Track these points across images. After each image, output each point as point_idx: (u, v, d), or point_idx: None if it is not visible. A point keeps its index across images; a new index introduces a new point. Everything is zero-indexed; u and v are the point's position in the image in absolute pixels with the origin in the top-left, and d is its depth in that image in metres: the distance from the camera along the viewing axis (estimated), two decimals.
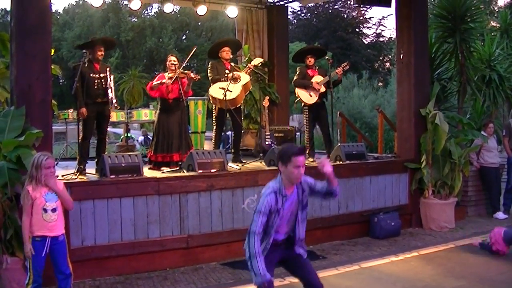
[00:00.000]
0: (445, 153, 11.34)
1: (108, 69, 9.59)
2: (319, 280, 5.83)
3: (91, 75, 9.27)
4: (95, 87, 9.34)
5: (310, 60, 11.84)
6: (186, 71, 10.37)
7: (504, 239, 9.05)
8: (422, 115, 11.43)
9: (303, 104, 11.79)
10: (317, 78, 11.62)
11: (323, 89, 11.58)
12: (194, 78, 10.31)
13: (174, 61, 10.33)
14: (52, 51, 8.88)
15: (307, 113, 11.77)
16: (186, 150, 10.13)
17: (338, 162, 10.85)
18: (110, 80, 9.44)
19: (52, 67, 9.13)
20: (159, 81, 10.25)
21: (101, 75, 9.44)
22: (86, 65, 9.33)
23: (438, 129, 11.04)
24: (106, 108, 9.55)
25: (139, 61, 52.83)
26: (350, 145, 11.74)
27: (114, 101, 9.47)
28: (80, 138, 9.56)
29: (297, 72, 11.99)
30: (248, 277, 8.12)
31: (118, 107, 11.32)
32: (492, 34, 16.81)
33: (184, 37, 59.89)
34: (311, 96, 11.59)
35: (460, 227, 11.43)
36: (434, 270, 8.44)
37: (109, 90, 9.37)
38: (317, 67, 11.86)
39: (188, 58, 10.58)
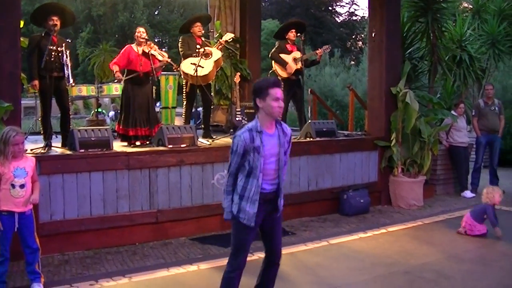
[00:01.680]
0: (415, 131, 11.43)
1: (64, 44, 9.45)
2: (281, 251, 5.77)
3: (48, 47, 9.11)
4: (52, 59, 9.22)
5: (294, 34, 11.87)
6: (164, 54, 10.30)
7: (475, 220, 9.13)
8: (392, 93, 11.49)
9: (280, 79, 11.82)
10: (296, 54, 11.70)
11: (300, 65, 11.60)
12: (169, 63, 10.29)
13: (143, 32, 10.16)
14: (22, 24, 8.75)
15: (283, 87, 11.79)
16: (155, 125, 10.08)
17: (308, 139, 10.89)
18: (67, 57, 9.32)
19: (22, 40, 9.01)
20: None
21: (59, 48, 9.32)
22: (43, 37, 9.22)
23: (408, 108, 11.11)
24: (63, 82, 9.43)
25: (110, 36, 52.26)
26: (321, 122, 11.78)
27: (71, 80, 9.37)
28: (40, 112, 9.48)
29: (276, 46, 12.03)
30: (217, 252, 8.21)
31: (74, 85, 11.18)
32: (464, 15, 16.91)
33: (156, 13, 59.35)
34: (286, 69, 11.64)
35: (429, 205, 11.55)
36: (402, 247, 8.52)
37: (65, 67, 9.26)
38: (296, 43, 11.86)
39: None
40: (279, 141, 5.35)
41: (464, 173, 12.87)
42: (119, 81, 10.63)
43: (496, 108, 13.33)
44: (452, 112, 12.80)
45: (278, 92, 5.21)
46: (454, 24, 14.92)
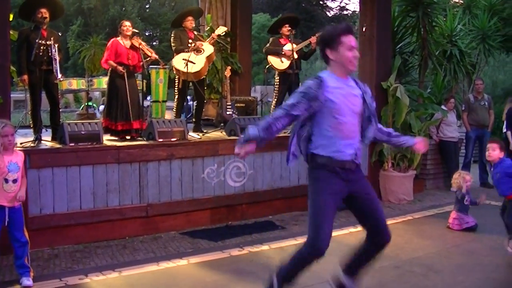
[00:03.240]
0: (405, 126, 11.46)
1: (53, 37, 9.39)
2: (388, 227, 5.13)
3: (37, 41, 9.06)
4: (41, 53, 9.16)
5: (288, 29, 11.83)
6: (151, 50, 10.27)
7: (461, 211, 9.16)
8: (383, 88, 11.51)
9: (276, 73, 11.80)
10: (289, 46, 11.61)
11: (295, 56, 11.57)
12: (156, 59, 10.31)
13: (129, 25, 10.08)
14: (11, 16, 8.71)
15: (278, 80, 11.79)
16: (143, 119, 10.06)
17: None
18: (55, 51, 9.26)
19: (11, 33, 8.97)
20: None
21: (48, 42, 9.27)
22: (32, 30, 9.18)
23: (399, 102, 11.14)
24: (53, 76, 9.38)
25: (101, 29, 52.09)
26: None
27: (60, 75, 9.32)
28: (30, 106, 9.44)
29: (270, 41, 12.02)
30: (207, 246, 8.22)
31: (62, 79, 11.13)
32: (455, 10, 16.93)
33: (147, 6, 59.27)
34: (282, 62, 11.60)
35: (418, 199, 11.58)
36: (391, 242, 8.47)
37: (54, 62, 9.21)
38: (290, 38, 11.83)
39: None
40: (361, 97, 4.83)
41: (454, 167, 12.88)
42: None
43: (486, 103, 13.40)
44: (442, 106, 12.84)
45: (352, 40, 4.64)
46: (444, 19, 14.94)
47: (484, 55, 16.27)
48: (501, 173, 7.34)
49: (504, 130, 13.09)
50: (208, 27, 13.78)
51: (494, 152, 7.31)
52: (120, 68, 9.70)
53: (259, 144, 4.78)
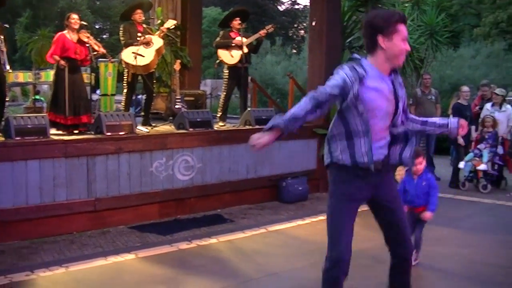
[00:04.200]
0: None
1: None
2: (410, 239, 4.72)
3: None
4: None
5: (239, 22, 11.80)
6: (99, 45, 10.18)
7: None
8: None
9: (226, 66, 11.77)
10: (239, 39, 11.57)
11: (246, 50, 11.55)
12: (104, 54, 10.22)
13: (77, 18, 9.96)
14: None
15: (228, 74, 11.76)
16: (90, 113, 9.97)
17: (247, 126, 10.93)
18: (1, 42, 9.11)
19: None
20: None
21: None
22: None
23: None
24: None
25: (50, 22, 51.39)
26: (260, 110, 11.85)
27: (8, 67, 9.16)
28: None
29: (220, 35, 11.98)
30: (156, 240, 8.20)
31: (10, 71, 10.93)
32: (404, 5, 17.11)
33: None
34: (232, 56, 11.57)
35: None
36: None
37: (1, 53, 9.07)
38: (240, 32, 11.79)
39: None
40: (393, 89, 4.26)
41: None
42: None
43: (433, 97, 13.63)
44: None
45: (406, 30, 4.18)
46: None
47: (432, 50, 16.46)
48: (427, 182, 7.24)
49: None
50: (159, 21, 13.68)
51: (421, 165, 7.21)
52: (62, 62, 9.57)
53: (284, 133, 4.21)
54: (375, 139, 4.25)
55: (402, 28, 4.08)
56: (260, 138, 4.20)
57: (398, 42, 4.05)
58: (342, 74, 4.14)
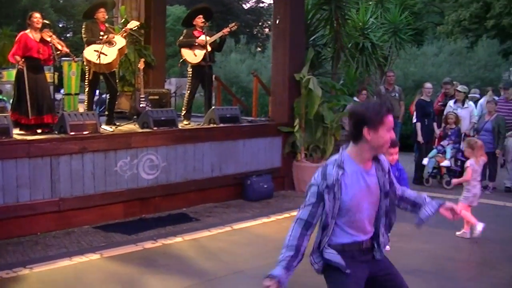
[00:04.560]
0: (318, 117, 11.60)
1: None
2: None
3: None
4: None
5: (202, 20, 11.74)
6: (62, 44, 10.09)
7: None
8: (296, 80, 11.61)
9: (189, 65, 11.72)
10: (202, 38, 11.52)
11: (209, 49, 11.52)
12: (67, 53, 10.14)
13: (39, 17, 9.85)
14: None
15: (191, 73, 11.72)
16: (54, 113, 9.88)
17: (212, 125, 10.92)
18: None
19: None
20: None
21: None
22: None
23: (311, 94, 11.26)
24: None
25: (12, 20, 50.88)
26: (224, 108, 11.86)
27: None
28: None
29: (184, 33, 11.92)
30: (121, 240, 8.16)
31: None
32: (367, 3, 17.21)
33: None
34: (195, 55, 11.52)
35: None
36: None
37: None
38: (204, 30, 11.74)
39: None
40: (377, 181, 4.09)
41: None
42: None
43: (397, 94, 13.75)
44: (355, 98, 13.04)
45: (392, 119, 3.99)
46: (357, 12, 15.16)
47: (395, 48, 16.58)
48: (400, 172, 7.36)
49: (414, 121, 13.42)
50: (123, 19, 13.61)
51: (397, 155, 7.28)
52: (20, 62, 9.46)
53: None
54: (360, 228, 4.12)
55: (389, 119, 3.92)
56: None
57: (384, 133, 3.90)
58: (318, 174, 4.10)
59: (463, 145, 12.49)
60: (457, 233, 8.71)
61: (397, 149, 7.15)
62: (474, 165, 8.80)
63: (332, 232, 4.02)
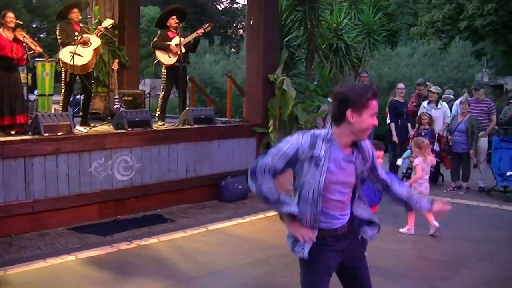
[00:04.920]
0: (292, 118, 11.64)
1: None
2: None
3: None
4: None
5: (175, 21, 11.72)
6: (36, 44, 10.02)
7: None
8: (270, 81, 11.65)
9: (164, 66, 11.70)
10: (176, 40, 11.51)
11: (183, 50, 11.51)
12: (40, 53, 10.09)
13: (12, 17, 9.77)
14: None
15: (166, 74, 11.69)
16: (26, 113, 9.82)
17: (186, 126, 10.92)
18: None
19: None
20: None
21: None
22: None
23: (285, 95, 11.30)
24: None
25: None
26: (199, 109, 11.86)
27: None
28: None
29: (158, 34, 11.90)
30: (96, 241, 8.14)
31: None
32: (341, 4, 17.29)
33: None
34: (170, 57, 11.50)
35: None
36: (279, 231, 8.58)
37: None
38: (178, 31, 11.72)
39: None
40: (354, 165, 3.98)
41: None
42: None
43: None
44: (329, 99, 13.06)
45: (376, 105, 3.90)
46: (331, 13, 15.22)
47: (369, 49, 16.67)
48: None
49: (388, 121, 13.51)
50: (96, 20, 13.56)
51: (381, 159, 7.32)
52: None
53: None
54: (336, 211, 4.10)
55: (373, 104, 3.83)
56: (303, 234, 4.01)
57: (367, 118, 3.81)
58: (289, 140, 4.00)
59: (436, 146, 12.64)
60: (401, 230, 8.81)
61: (382, 152, 7.19)
62: (422, 163, 9.03)
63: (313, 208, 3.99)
